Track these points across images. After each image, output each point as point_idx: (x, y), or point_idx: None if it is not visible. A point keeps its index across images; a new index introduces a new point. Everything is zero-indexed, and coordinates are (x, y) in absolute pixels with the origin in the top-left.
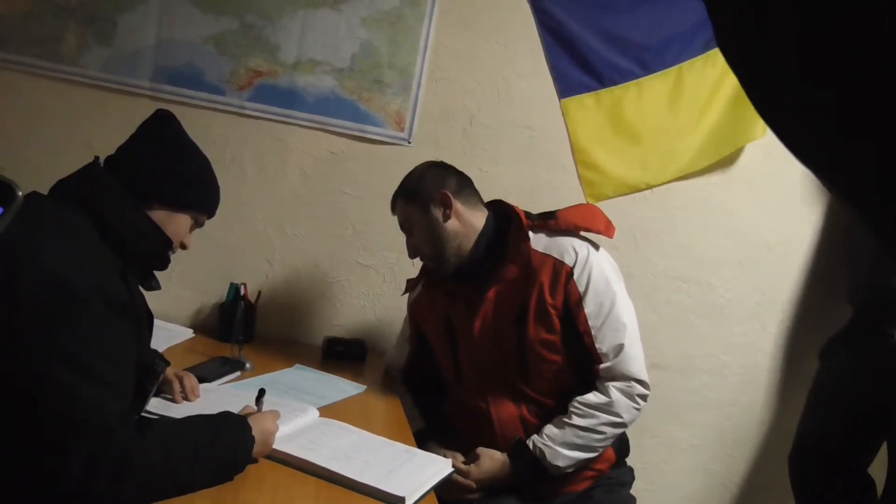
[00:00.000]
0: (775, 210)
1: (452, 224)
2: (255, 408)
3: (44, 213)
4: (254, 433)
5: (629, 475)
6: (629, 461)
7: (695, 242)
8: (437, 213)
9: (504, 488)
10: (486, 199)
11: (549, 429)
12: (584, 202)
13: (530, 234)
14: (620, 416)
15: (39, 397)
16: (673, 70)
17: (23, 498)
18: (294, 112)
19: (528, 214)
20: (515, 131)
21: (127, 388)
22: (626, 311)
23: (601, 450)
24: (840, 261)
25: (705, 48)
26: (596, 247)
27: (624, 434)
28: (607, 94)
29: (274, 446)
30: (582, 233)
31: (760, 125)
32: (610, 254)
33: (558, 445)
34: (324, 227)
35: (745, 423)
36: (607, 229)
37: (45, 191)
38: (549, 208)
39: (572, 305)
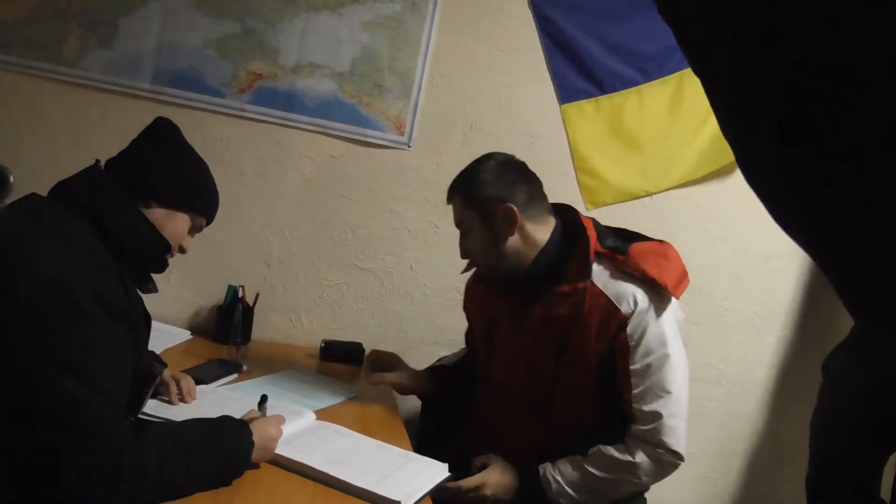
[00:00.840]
0: (773, 221)
1: (514, 241)
2: (259, 412)
3: (42, 216)
4: (254, 438)
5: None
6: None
7: (693, 251)
8: (499, 227)
9: None
10: None
11: (564, 464)
12: (665, 242)
13: (598, 266)
14: (640, 479)
15: (35, 402)
16: (674, 77)
17: (19, 502)
18: (294, 115)
19: (601, 236)
20: (515, 137)
21: (123, 394)
22: (676, 378)
23: (610, 500)
24: None
25: None
26: (665, 299)
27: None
28: (608, 101)
29: None
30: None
31: None
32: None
33: (566, 484)
34: (323, 230)
35: (741, 433)
36: (676, 287)
37: (44, 192)
38: None
39: (617, 358)
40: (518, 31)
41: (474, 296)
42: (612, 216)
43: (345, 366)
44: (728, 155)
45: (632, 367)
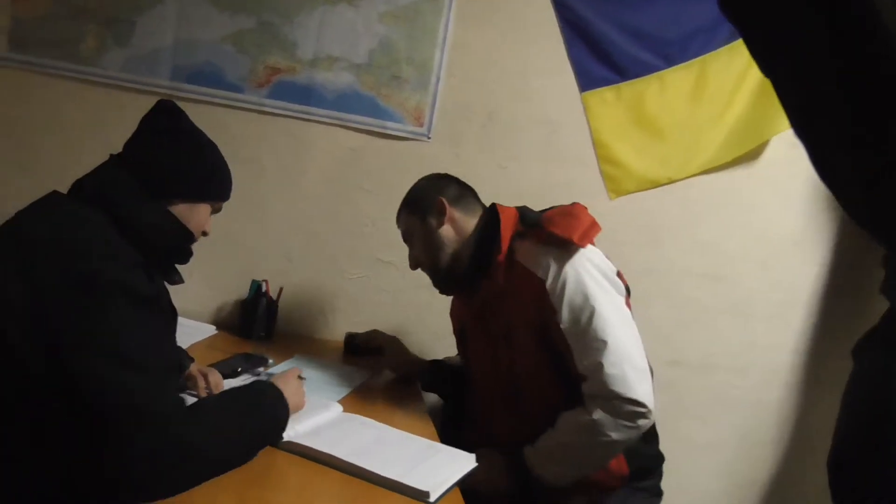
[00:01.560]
0: (799, 206)
1: (446, 230)
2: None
3: (64, 212)
4: (286, 396)
5: (642, 501)
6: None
7: (717, 239)
8: (433, 220)
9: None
10: (504, 197)
11: (540, 441)
12: (574, 203)
13: (519, 242)
14: (609, 437)
15: (84, 392)
16: (696, 62)
17: (79, 490)
18: (313, 109)
19: (525, 217)
20: (535, 127)
21: (170, 373)
22: (608, 326)
23: (596, 467)
24: (865, 256)
25: (728, 40)
26: (573, 251)
27: (648, 448)
28: (629, 88)
29: (299, 441)
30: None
31: (786, 117)
32: (611, 256)
33: (545, 460)
34: (343, 223)
35: (768, 421)
36: (582, 238)
37: (65, 190)
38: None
39: (550, 323)
40: (536, 20)
41: (453, 303)
42: (634, 204)
43: (368, 357)
44: (752, 140)
45: (563, 328)
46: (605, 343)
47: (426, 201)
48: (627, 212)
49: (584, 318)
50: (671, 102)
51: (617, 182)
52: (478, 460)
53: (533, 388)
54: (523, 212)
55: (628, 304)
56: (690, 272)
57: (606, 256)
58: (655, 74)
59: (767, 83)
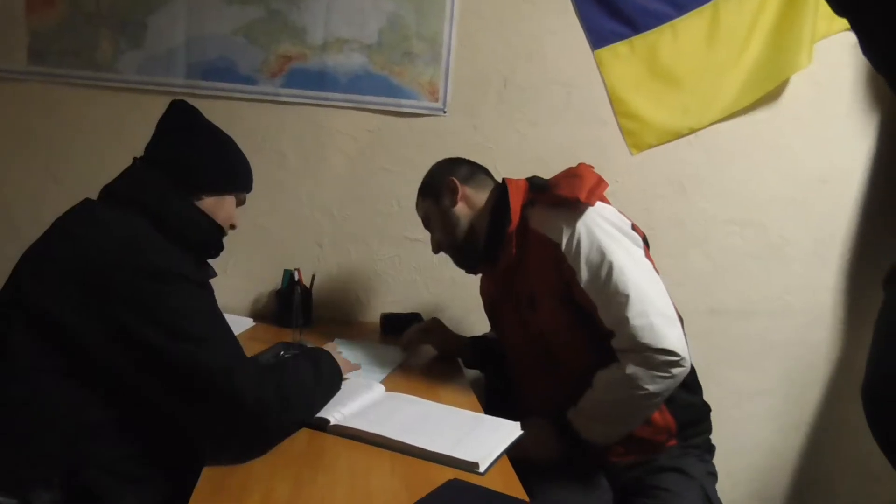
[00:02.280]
0: (826, 142)
1: (460, 208)
2: None
3: (104, 216)
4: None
5: (695, 458)
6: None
7: (744, 184)
8: (446, 200)
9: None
10: (526, 162)
11: (581, 402)
12: (580, 163)
13: (531, 210)
14: (646, 388)
15: (186, 376)
16: (708, 6)
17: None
18: (328, 93)
19: (534, 186)
20: (551, 89)
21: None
22: (628, 279)
23: (639, 421)
24: None
25: None
26: (582, 210)
27: (691, 397)
28: (641, 40)
29: (346, 423)
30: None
31: (805, 53)
32: (625, 210)
33: (589, 419)
34: (369, 205)
35: (813, 362)
36: (589, 196)
37: (94, 197)
38: (592, 164)
39: (571, 284)
40: None
41: (481, 281)
42: (657, 157)
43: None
44: (772, 80)
45: (584, 287)
46: (627, 296)
47: (439, 184)
48: (652, 165)
49: (604, 274)
50: (686, 51)
51: (637, 137)
52: (525, 429)
53: (565, 350)
54: (532, 181)
55: (648, 256)
56: (721, 219)
57: (620, 211)
58: (668, 24)
59: (783, 22)
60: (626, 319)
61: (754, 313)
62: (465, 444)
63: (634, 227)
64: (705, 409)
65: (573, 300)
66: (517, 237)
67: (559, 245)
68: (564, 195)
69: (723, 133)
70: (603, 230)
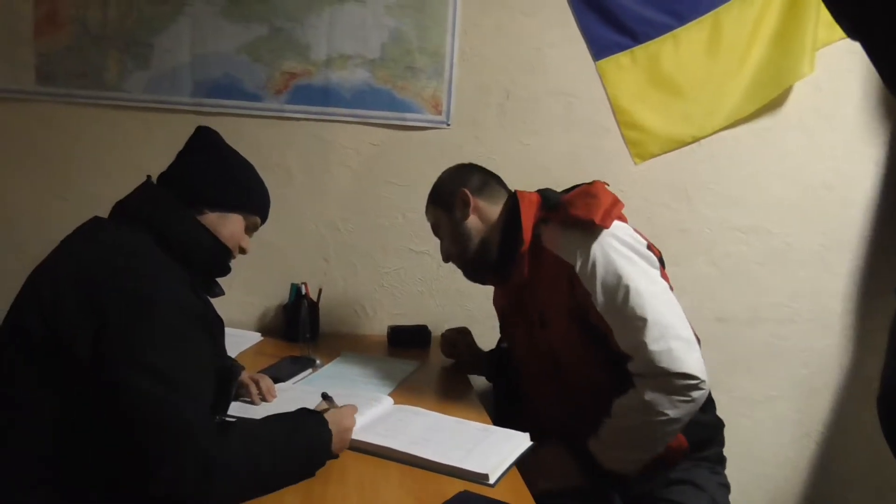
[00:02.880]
0: (831, 148)
1: (472, 221)
2: (327, 405)
3: (110, 236)
4: (330, 427)
5: (707, 470)
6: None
7: (749, 190)
8: (458, 212)
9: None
10: (530, 173)
11: (601, 431)
12: (594, 181)
13: (544, 227)
14: (665, 414)
15: (126, 407)
16: (709, 16)
17: (120, 500)
18: (332, 109)
19: (548, 201)
20: (553, 100)
21: (207, 394)
22: (645, 302)
23: (661, 446)
24: None
25: None
26: (597, 233)
27: (704, 416)
28: (643, 51)
29: (355, 437)
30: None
31: (807, 61)
32: (639, 229)
33: (609, 448)
34: (374, 218)
35: (823, 368)
36: (604, 218)
37: (104, 214)
38: (595, 174)
39: (587, 306)
40: None
41: (494, 292)
42: (661, 166)
43: (413, 349)
44: (774, 88)
45: (600, 310)
46: (644, 320)
47: (450, 194)
48: (656, 174)
49: (620, 298)
50: (687, 60)
51: (641, 146)
52: (541, 458)
53: (575, 367)
54: (545, 195)
55: (664, 276)
56: (726, 227)
57: (635, 229)
58: (669, 34)
59: (784, 30)
60: (644, 344)
61: (761, 320)
62: (475, 455)
63: (650, 247)
64: (719, 425)
65: (587, 320)
66: (529, 255)
67: (573, 266)
68: (580, 216)
69: (726, 141)
70: (619, 253)
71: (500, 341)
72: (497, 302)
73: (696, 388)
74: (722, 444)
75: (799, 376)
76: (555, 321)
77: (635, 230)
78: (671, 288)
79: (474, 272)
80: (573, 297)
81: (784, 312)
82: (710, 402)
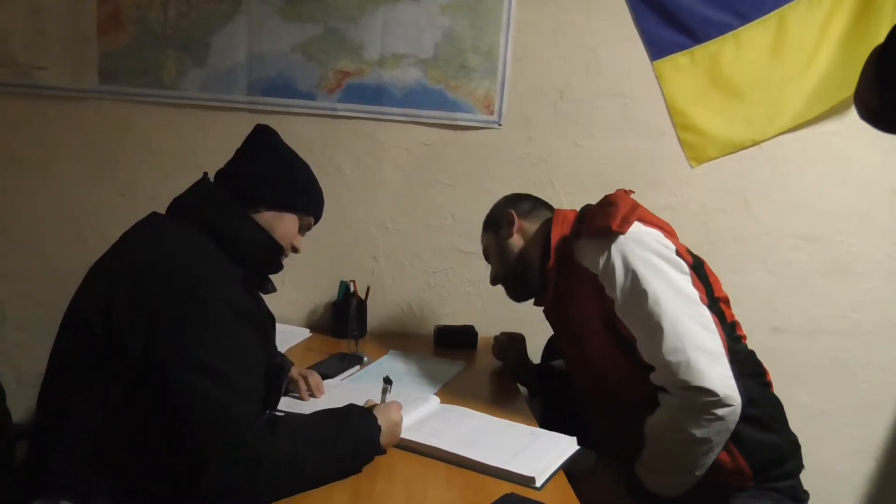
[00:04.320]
0: None
1: (514, 240)
2: (378, 401)
3: (167, 232)
4: (380, 423)
5: (772, 501)
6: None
7: (810, 197)
8: (503, 231)
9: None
10: (583, 176)
11: (642, 454)
12: (617, 189)
13: (575, 242)
14: (689, 433)
15: (178, 405)
16: (773, 16)
17: (171, 501)
18: (384, 108)
19: (580, 216)
20: (608, 101)
21: (256, 392)
22: (663, 312)
23: (700, 468)
24: None
25: None
26: (615, 239)
27: (764, 435)
28: (702, 51)
29: (402, 435)
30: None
31: None
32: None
33: (649, 472)
34: (423, 218)
35: (883, 384)
36: (621, 224)
37: (162, 210)
38: (650, 177)
39: (613, 315)
40: None
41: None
42: (718, 170)
43: (460, 349)
44: (841, 92)
45: (620, 317)
46: (661, 329)
47: (499, 216)
48: (713, 178)
49: (639, 304)
50: (749, 61)
51: (697, 149)
52: (596, 479)
53: (619, 381)
54: (581, 210)
55: (697, 285)
56: (785, 234)
57: (668, 235)
58: (730, 34)
59: (855, 32)
60: (661, 355)
61: (819, 331)
62: (522, 458)
63: (681, 252)
64: (788, 447)
65: (616, 330)
66: (561, 270)
67: (597, 275)
68: (598, 225)
69: (788, 145)
70: (639, 257)
71: (544, 354)
72: (546, 316)
73: (720, 404)
74: (798, 470)
75: (859, 391)
76: (590, 333)
77: (668, 235)
78: (712, 296)
79: (514, 290)
80: (602, 305)
81: (844, 324)
82: (771, 419)
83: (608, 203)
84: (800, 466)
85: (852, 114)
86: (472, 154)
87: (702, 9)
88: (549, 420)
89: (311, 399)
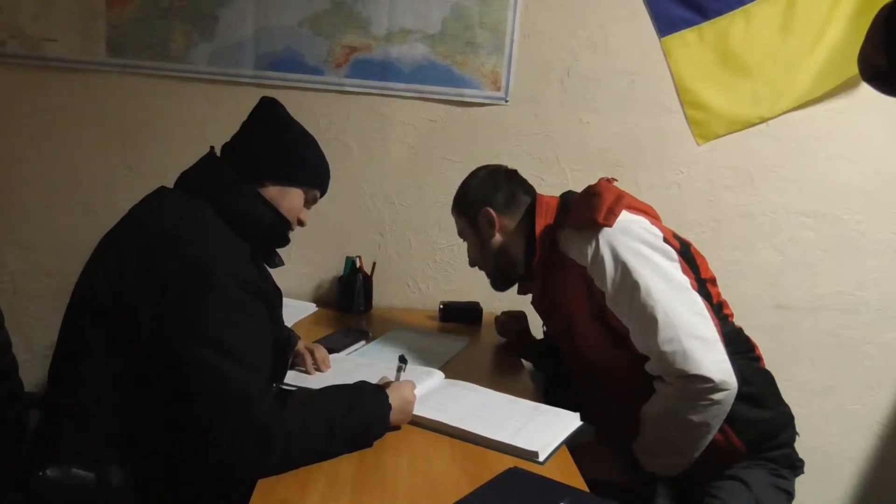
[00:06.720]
0: None
1: (497, 240)
2: (392, 378)
3: (174, 206)
4: (391, 401)
5: (766, 471)
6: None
7: (817, 175)
8: (483, 230)
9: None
10: (589, 152)
11: (639, 436)
12: (600, 179)
13: (560, 232)
14: (688, 419)
15: (188, 378)
16: None
17: (181, 470)
18: (391, 84)
19: (564, 206)
20: (615, 78)
21: (265, 365)
22: (655, 302)
23: (694, 449)
24: None
25: None
26: (601, 231)
27: (755, 412)
28: (711, 27)
29: None
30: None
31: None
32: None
33: (645, 454)
34: (429, 194)
35: (887, 361)
36: (607, 217)
37: (169, 184)
38: (656, 154)
39: (604, 307)
40: None
41: (532, 295)
42: (726, 147)
43: (465, 325)
44: (851, 68)
45: (612, 309)
46: (655, 320)
47: (473, 207)
48: (719, 155)
49: (631, 296)
50: (758, 37)
51: (704, 126)
52: (595, 452)
53: (611, 370)
54: (563, 199)
55: (686, 271)
56: (792, 211)
57: (654, 221)
58: (740, 10)
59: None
60: (657, 345)
61: (824, 309)
62: (525, 433)
63: (669, 239)
64: (780, 419)
65: (607, 321)
66: (547, 262)
67: (586, 267)
68: (584, 217)
69: (796, 123)
70: (628, 248)
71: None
72: (535, 307)
73: (716, 389)
74: (791, 440)
75: (861, 368)
76: (580, 325)
77: (653, 222)
78: (701, 277)
79: (498, 282)
80: (592, 298)
81: (849, 302)
82: (763, 395)
83: (592, 194)
84: (794, 435)
85: (861, 91)
86: (479, 130)
87: None
88: (553, 394)
89: (317, 373)
